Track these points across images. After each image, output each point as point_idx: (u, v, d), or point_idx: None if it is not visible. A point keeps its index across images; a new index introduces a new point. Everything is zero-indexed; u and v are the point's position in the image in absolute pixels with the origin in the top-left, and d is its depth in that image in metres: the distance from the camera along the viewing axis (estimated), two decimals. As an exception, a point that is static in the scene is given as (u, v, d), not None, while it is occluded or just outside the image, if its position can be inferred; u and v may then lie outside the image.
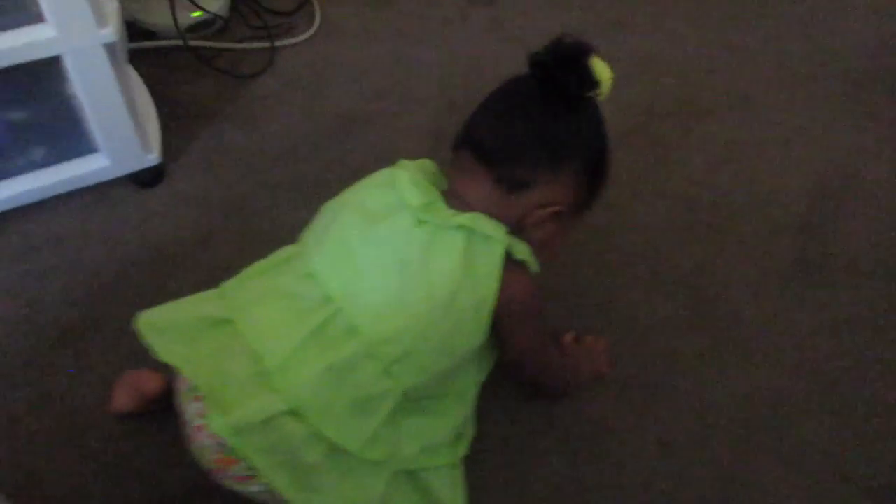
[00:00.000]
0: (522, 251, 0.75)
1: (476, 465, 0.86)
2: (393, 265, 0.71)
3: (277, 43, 1.42)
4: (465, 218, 0.71)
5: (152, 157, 1.14)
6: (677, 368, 0.99)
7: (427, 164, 0.81)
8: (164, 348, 0.73)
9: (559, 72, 0.70)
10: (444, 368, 0.74)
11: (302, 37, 1.44)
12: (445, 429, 0.81)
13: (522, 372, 0.89)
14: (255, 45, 1.42)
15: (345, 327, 0.70)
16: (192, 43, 1.37)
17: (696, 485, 0.88)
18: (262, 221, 1.11)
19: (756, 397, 0.97)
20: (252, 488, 0.71)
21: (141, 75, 1.24)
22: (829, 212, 1.20)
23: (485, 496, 0.86)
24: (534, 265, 0.77)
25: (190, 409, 0.72)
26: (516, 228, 0.75)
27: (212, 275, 0.82)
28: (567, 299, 1.05)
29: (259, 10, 1.48)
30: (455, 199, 0.74)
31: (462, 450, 0.84)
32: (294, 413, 0.68)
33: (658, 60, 1.45)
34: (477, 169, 0.74)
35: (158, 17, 1.39)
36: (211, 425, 0.68)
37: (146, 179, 1.15)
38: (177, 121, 1.26)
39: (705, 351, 1.01)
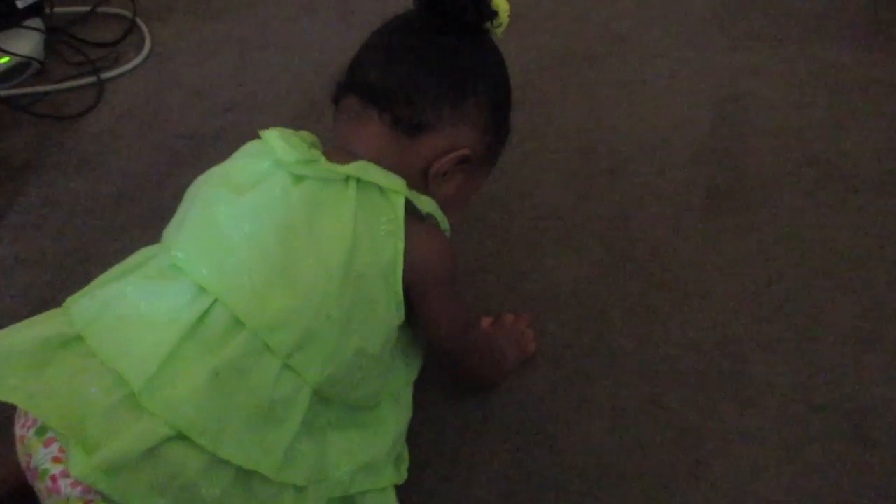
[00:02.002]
0: (428, 204, 0.66)
1: (411, 482, 0.73)
2: (271, 235, 0.60)
3: (105, 75, 1.26)
4: (353, 167, 0.62)
5: (-35, 224, 0.96)
6: (612, 328, 0.88)
7: (304, 133, 0.69)
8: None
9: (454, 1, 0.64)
10: (356, 355, 0.62)
11: (132, 64, 1.29)
12: (384, 442, 0.68)
13: (449, 355, 0.76)
14: (80, 81, 1.25)
15: (226, 321, 0.58)
16: (2, 93, 1.20)
17: (659, 451, 0.77)
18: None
19: (703, 342, 0.87)
20: None
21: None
22: (730, 135, 1.14)
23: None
24: (443, 223, 0.67)
25: (40, 457, 0.56)
26: (418, 182, 0.66)
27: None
28: (474, 279, 0.93)
29: (79, 44, 1.32)
30: (340, 154, 0.64)
31: (404, 470, 0.71)
32: (182, 439, 0.55)
33: (524, 17, 1.37)
34: (367, 115, 0.65)
35: (-42, 72, 1.21)
36: (72, 469, 0.52)
37: (-37, 251, 0.97)
38: (-5, 180, 1.08)
39: (636, 304, 0.91)
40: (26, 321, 0.64)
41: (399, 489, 0.71)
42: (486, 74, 0.69)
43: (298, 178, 0.62)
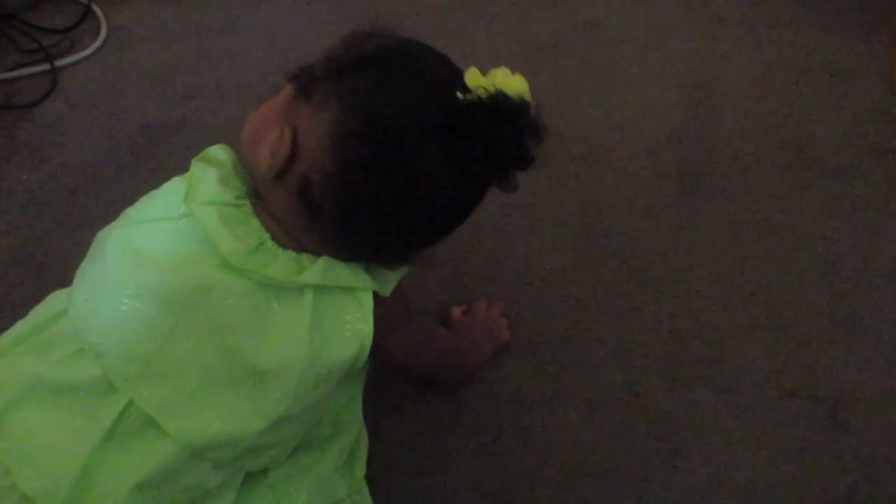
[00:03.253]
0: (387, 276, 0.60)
1: (381, 486, 0.71)
2: (207, 344, 0.53)
3: (59, 62, 1.21)
4: (316, 275, 0.55)
5: None
6: (587, 317, 0.87)
7: (232, 156, 0.62)
8: None
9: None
10: (301, 431, 0.60)
11: (88, 51, 1.23)
12: (332, 457, 0.65)
13: (417, 371, 0.74)
14: (33, 69, 1.20)
15: (145, 425, 0.53)
16: (-50, 81, 1.14)
17: (635, 440, 0.76)
18: (65, 269, 0.89)
19: (677, 329, 0.86)
20: None
21: None
22: (701, 120, 1.13)
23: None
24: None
25: None
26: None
27: None
28: (446, 269, 0.91)
29: (31, 30, 1.26)
30: (288, 240, 0.57)
31: (360, 469, 0.68)
32: None
33: (492, 4, 1.35)
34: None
35: None
36: None
37: None
38: (-57, 175, 1.03)
39: (611, 291, 0.90)
40: None
41: (371, 487, 0.69)
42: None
43: (240, 272, 0.53)
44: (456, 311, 0.85)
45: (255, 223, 0.56)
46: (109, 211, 0.94)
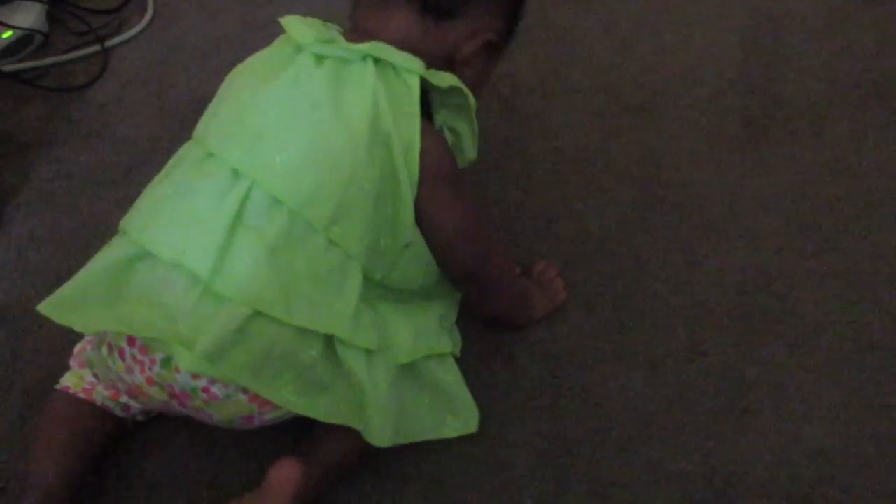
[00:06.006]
0: (449, 79, 0.64)
1: (438, 452, 0.70)
2: (298, 116, 0.62)
3: (108, 43, 1.22)
4: (369, 46, 0.63)
5: (-24, 204, 0.94)
6: (646, 273, 0.83)
7: (330, 24, 0.71)
8: (86, 320, 0.61)
9: None
10: (388, 230, 0.64)
11: (135, 30, 1.25)
12: (431, 314, 0.72)
13: (464, 272, 0.72)
14: (84, 51, 1.22)
15: (266, 202, 0.61)
16: (7, 68, 1.17)
17: (701, 400, 0.73)
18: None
19: (744, 283, 0.82)
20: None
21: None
22: (764, 61, 1.06)
23: (463, 482, 0.70)
24: (470, 97, 0.67)
25: (181, 382, 0.61)
26: (444, 67, 0.66)
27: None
28: (499, 228, 0.89)
29: (80, 13, 1.28)
30: (359, 37, 0.65)
31: (457, 346, 0.75)
32: (263, 315, 0.59)
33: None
34: (394, 1, 0.66)
35: (-38, 49, 1.18)
36: (181, 365, 0.58)
37: (-23, 232, 0.95)
38: (6, 157, 1.06)
39: (671, 246, 0.86)
40: (94, 258, 0.66)
41: (427, 450, 0.68)
42: None
43: (320, 59, 0.63)
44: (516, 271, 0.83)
45: (332, 31, 0.67)
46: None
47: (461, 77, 0.66)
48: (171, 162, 0.69)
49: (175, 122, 1.09)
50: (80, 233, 0.96)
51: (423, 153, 0.63)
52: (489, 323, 0.79)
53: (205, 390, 0.61)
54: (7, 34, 1.21)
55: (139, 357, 0.62)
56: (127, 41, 1.24)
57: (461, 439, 0.71)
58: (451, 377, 0.71)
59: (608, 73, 1.07)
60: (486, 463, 0.71)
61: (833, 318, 0.78)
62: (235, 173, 0.61)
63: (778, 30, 1.10)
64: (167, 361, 0.61)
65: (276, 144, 0.61)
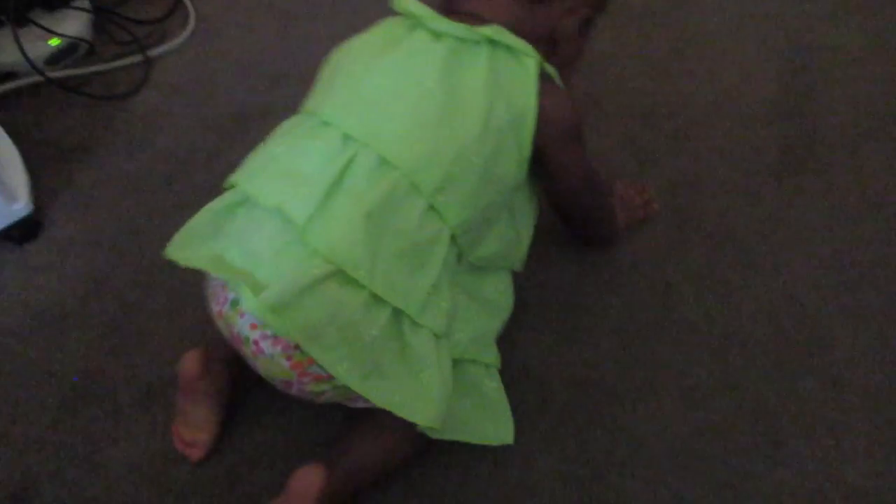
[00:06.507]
0: (551, 71, 0.69)
1: (465, 475, 0.70)
2: (414, 89, 0.64)
3: (151, 53, 1.25)
4: (489, 30, 0.65)
5: (20, 208, 0.96)
6: (679, 303, 0.83)
7: None
8: (185, 254, 0.65)
9: None
10: (489, 203, 0.67)
11: (178, 41, 1.27)
12: (497, 321, 0.75)
13: (578, 206, 0.79)
14: (126, 61, 1.24)
15: (373, 164, 0.62)
16: (54, 74, 1.19)
17: (732, 433, 0.73)
18: (162, 251, 0.94)
19: (778, 315, 0.81)
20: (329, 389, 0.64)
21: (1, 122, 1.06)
22: (803, 90, 1.06)
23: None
24: (562, 85, 0.70)
25: (240, 327, 0.62)
26: (545, 48, 0.69)
27: (111, 326, 0.66)
28: (531, 255, 0.89)
29: (125, 23, 1.31)
30: (470, 19, 0.67)
31: (499, 360, 0.75)
32: (340, 276, 0.59)
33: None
34: None
35: (12, 54, 1.21)
36: (244, 305, 0.60)
37: (19, 234, 0.97)
38: (49, 162, 1.08)
39: (705, 276, 0.86)
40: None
41: (455, 471, 0.69)
42: None
43: (437, 36, 0.66)
44: None
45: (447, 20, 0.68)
46: (204, 196, 0.98)
47: (561, 53, 0.71)
48: (277, 131, 0.71)
49: (214, 134, 1.11)
50: (119, 239, 0.97)
51: (548, 119, 0.66)
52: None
53: (255, 342, 0.62)
54: (54, 41, 1.24)
55: (219, 291, 0.65)
56: (169, 52, 1.27)
57: (488, 462, 0.72)
58: (494, 384, 0.73)
59: (644, 99, 1.07)
60: (513, 487, 0.71)
61: (869, 354, 0.77)
62: (346, 138, 0.63)
63: (816, 59, 1.10)
64: (236, 302, 0.63)
65: (389, 112, 0.64)
